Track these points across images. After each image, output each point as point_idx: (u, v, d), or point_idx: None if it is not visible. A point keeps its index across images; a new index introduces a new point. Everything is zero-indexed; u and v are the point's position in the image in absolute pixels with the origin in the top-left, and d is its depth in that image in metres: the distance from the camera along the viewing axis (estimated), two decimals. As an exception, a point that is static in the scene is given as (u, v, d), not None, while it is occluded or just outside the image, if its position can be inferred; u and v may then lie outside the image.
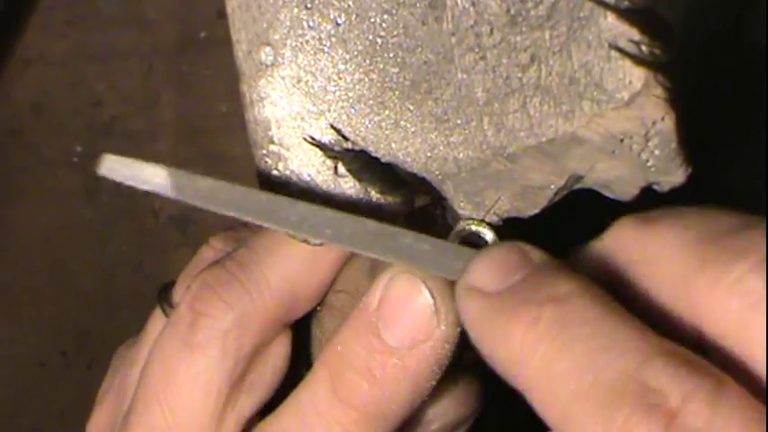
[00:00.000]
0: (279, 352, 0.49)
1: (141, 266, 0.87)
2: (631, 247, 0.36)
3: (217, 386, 0.47)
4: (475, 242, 0.44)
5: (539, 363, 0.34)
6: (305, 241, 0.43)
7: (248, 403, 0.48)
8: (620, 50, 0.38)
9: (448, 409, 0.48)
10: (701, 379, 0.31)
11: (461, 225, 0.44)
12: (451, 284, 0.42)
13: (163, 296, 0.53)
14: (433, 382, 0.44)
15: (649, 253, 0.35)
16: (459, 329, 0.43)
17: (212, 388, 0.47)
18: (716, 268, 0.32)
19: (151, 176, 0.43)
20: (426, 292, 0.42)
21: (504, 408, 0.46)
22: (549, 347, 0.34)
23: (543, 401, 0.34)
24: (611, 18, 0.38)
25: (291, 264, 0.47)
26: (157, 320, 0.53)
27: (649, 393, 0.31)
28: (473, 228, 0.44)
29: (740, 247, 0.32)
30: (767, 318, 0.31)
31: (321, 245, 0.43)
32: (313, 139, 0.44)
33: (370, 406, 0.44)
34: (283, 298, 0.47)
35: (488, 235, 0.44)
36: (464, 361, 0.49)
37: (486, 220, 0.44)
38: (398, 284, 0.43)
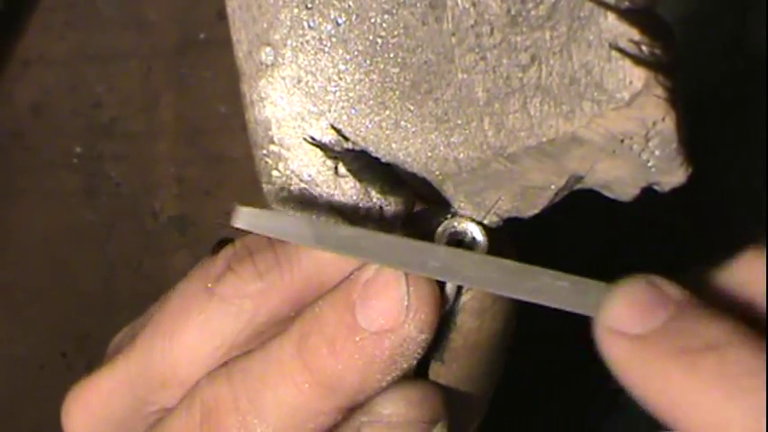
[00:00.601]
0: None
1: (141, 267, 0.87)
2: (762, 282, 0.37)
3: (221, 338, 0.48)
4: (462, 240, 0.44)
5: (707, 412, 0.34)
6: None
7: None
8: (621, 51, 0.38)
9: (401, 408, 0.48)
10: None
11: (449, 222, 0.44)
12: (436, 291, 0.43)
13: (216, 249, 0.54)
14: (389, 376, 0.45)
15: None
16: (425, 336, 0.43)
17: (216, 338, 0.48)
18: None
19: (291, 228, 0.43)
20: (404, 287, 0.43)
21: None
22: (716, 398, 0.34)
23: None
24: (611, 18, 0.38)
25: (326, 253, 0.48)
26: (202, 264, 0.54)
27: None
28: (460, 225, 0.44)
29: None
30: None
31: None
32: (313, 139, 0.44)
33: (324, 373, 0.45)
34: (311, 280, 0.48)
35: (476, 232, 0.44)
36: (432, 372, 0.49)
37: (486, 221, 0.44)
38: (386, 271, 0.43)
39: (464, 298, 0.46)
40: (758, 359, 0.34)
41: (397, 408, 0.48)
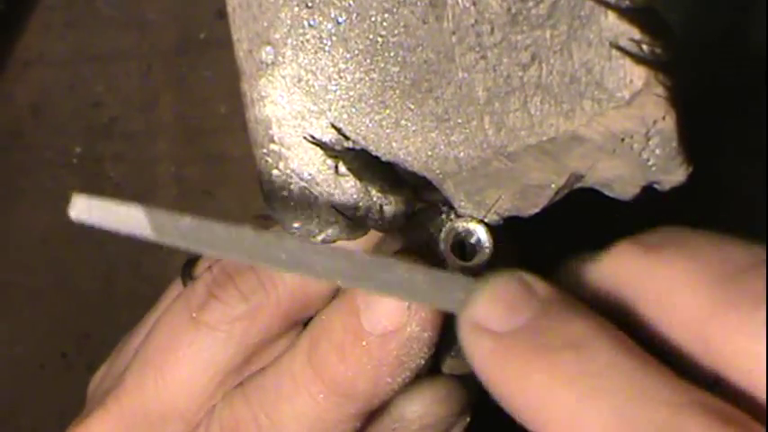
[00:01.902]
0: (286, 349, 0.49)
1: (140, 268, 0.87)
2: (635, 277, 0.35)
3: (215, 367, 0.48)
4: (467, 240, 0.44)
5: (560, 414, 0.33)
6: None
7: None
8: (621, 49, 0.38)
9: (427, 409, 0.48)
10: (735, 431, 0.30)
11: (453, 223, 0.44)
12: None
13: (186, 270, 0.53)
14: (400, 377, 0.45)
15: (657, 287, 0.34)
16: (429, 334, 0.43)
17: (209, 368, 0.48)
18: (737, 313, 0.32)
19: (127, 218, 0.40)
20: None
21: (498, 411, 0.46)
22: (570, 398, 0.33)
23: None
24: (611, 17, 0.38)
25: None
26: (175, 290, 0.54)
27: None
28: (465, 225, 0.44)
29: (760, 289, 0.31)
30: None
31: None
32: (314, 138, 0.44)
33: (336, 381, 0.45)
34: (296, 295, 0.48)
35: (481, 232, 0.44)
36: (446, 366, 0.49)
37: (487, 220, 0.44)
38: None
39: None
40: (617, 357, 0.33)
41: (426, 407, 0.48)
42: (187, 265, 0.54)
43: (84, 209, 0.40)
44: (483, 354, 0.36)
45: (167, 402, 0.49)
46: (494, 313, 0.36)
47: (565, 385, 0.33)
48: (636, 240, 0.36)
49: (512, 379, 0.35)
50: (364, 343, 0.44)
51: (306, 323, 0.49)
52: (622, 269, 0.36)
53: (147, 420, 0.50)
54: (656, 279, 0.34)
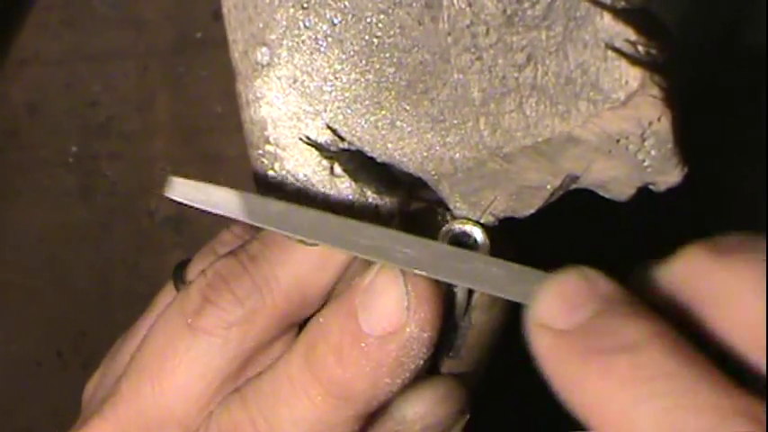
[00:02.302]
0: (282, 351, 0.49)
1: (137, 267, 0.87)
2: (703, 279, 0.36)
3: (212, 373, 0.48)
4: (464, 242, 0.44)
5: (614, 414, 0.34)
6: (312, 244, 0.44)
7: None
8: (617, 50, 0.38)
9: (429, 409, 0.48)
10: None
11: (450, 225, 0.44)
12: (435, 289, 0.43)
13: (177, 273, 0.53)
14: (399, 379, 0.45)
15: (723, 290, 0.35)
16: (428, 335, 0.43)
17: (207, 373, 0.48)
18: None
19: (223, 201, 0.43)
20: (402, 288, 0.43)
21: (499, 410, 0.46)
22: (625, 400, 0.33)
23: None
24: (607, 18, 0.38)
25: (302, 263, 0.47)
26: (167, 295, 0.54)
27: None
28: (462, 227, 0.44)
29: None
30: None
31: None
32: (309, 139, 0.44)
33: (334, 383, 0.45)
34: (292, 297, 0.48)
35: (478, 234, 0.44)
36: (444, 366, 0.49)
37: (482, 221, 0.44)
38: (384, 273, 0.43)
39: (475, 295, 0.46)
40: (670, 362, 0.33)
41: (427, 408, 0.48)
42: (179, 268, 0.54)
43: (182, 190, 0.43)
44: (543, 349, 0.37)
45: (165, 409, 0.49)
46: (555, 310, 0.37)
47: (619, 388, 0.34)
48: (708, 244, 0.36)
49: (570, 377, 0.35)
50: (363, 345, 0.44)
51: (303, 324, 0.49)
52: (692, 271, 0.36)
53: (144, 428, 0.49)
54: (724, 282, 0.35)
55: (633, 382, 0.33)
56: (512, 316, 0.49)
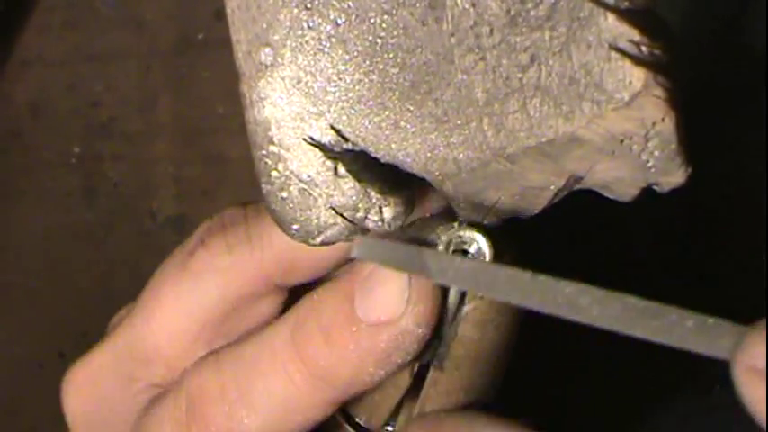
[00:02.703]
0: (266, 311, 0.50)
1: (139, 267, 0.87)
2: None
3: (196, 313, 0.49)
4: (467, 248, 0.44)
5: None
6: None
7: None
8: (620, 51, 0.38)
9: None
10: None
11: (453, 231, 0.44)
12: (436, 286, 0.43)
13: None
14: (383, 370, 0.45)
15: None
16: (422, 331, 0.43)
17: (191, 313, 0.49)
18: None
19: (411, 260, 0.41)
20: (406, 280, 0.43)
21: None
22: None
23: None
24: (611, 19, 0.38)
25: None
26: None
27: None
28: (465, 234, 0.44)
29: None
30: None
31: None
32: (313, 139, 0.44)
33: (317, 363, 0.44)
34: (281, 259, 0.48)
35: (481, 241, 0.44)
36: (431, 376, 0.49)
37: (486, 221, 0.44)
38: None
39: (466, 308, 0.46)
40: None
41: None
42: None
43: (367, 251, 0.42)
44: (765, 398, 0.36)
45: (151, 344, 0.50)
46: None
47: None
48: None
49: None
50: (354, 329, 0.44)
51: (291, 291, 0.49)
52: None
53: (133, 360, 0.51)
54: None
55: None
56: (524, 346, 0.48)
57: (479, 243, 0.44)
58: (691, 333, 0.39)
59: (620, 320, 0.39)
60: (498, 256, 0.44)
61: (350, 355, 0.44)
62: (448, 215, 0.45)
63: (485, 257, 0.44)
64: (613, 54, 0.38)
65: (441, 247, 0.44)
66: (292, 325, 0.46)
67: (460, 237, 0.44)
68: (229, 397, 0.46)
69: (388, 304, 0.43)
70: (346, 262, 0.49)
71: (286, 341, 0.45)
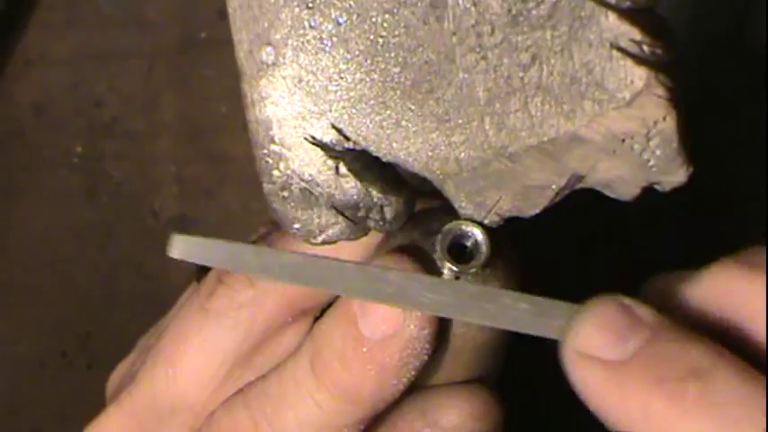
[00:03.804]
0: (294, 340, 0.49)
1: (142, 267, 0.87)
2: (743, 298, 0.35)
3: (223, 355, 0.48)
4: (465, 243, 0.44)
5: None
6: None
7: None
8: (622, 50, 0.38)
9: (464, 421, 0.48)
10: None
11: (451, 225, 0.44)
12: None
13: (202, 268, 0.54)
14: (405, 378, 0.45)
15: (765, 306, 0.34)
16: (428, 331, 0.43)
17: (218, 356, 0.48)
18: None
19: (232, 256, 0.41)
20: None
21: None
22: (700, 426, 0.33)
23: None
24: (612, 18, 0.38)
25: (316, 251, 0.47)
26: (192, 290, 0.54)
27: None
28: (462, 228, 0.44)
29: None
30: None
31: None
32: (314, 138, 0.44)
33: (340, 387, 0.45)
34: None
35: (478, 235, 0.44)
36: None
37: (487, 221, 0.44)
38: None
39: None
40: (743, 386, 0.33)
41: (462, 420, 0.48)
42: (202, 269, 0.54)
43: (185, 249, 0.41)
44: (595, 383, 0.36)
45: (177, 394, 0.49)
46: (602, 341, 0.36)
47: (692, 414, 0.33)
48: (739, 260, 0.36)
49: (632, 409, 0.34)
50: (365, 349, 0.44)
51: (317, 315, 0.49)
52: (728, 290, 0.36)
53: (157, 414, 0.50)
54: (762, 296, 0.34)
55: (707, 407, 0.33)
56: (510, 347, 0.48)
57: (477, 237, 0.44)
58: (526, 315, 0.39)
59: (452, 306, 0.40)
60: (496, 252, 0.44)
61: (369, 373, 0.44)
62: (447, 208, 0.45)
63: (482, 253, 0.44)
64: (615, 53, 0.38)
65: (438, 241, 0.44)
66: (310, 356, 0.46)
67: (459, 231, 0.44)
68: (263, 431, 0.46)
69: (388, 317, 0.43)
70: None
71: (307, 371, 0.46)
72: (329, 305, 0.48)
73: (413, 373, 0.45)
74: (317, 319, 0.49)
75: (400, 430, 0.49)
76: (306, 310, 0.49)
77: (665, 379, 0.34)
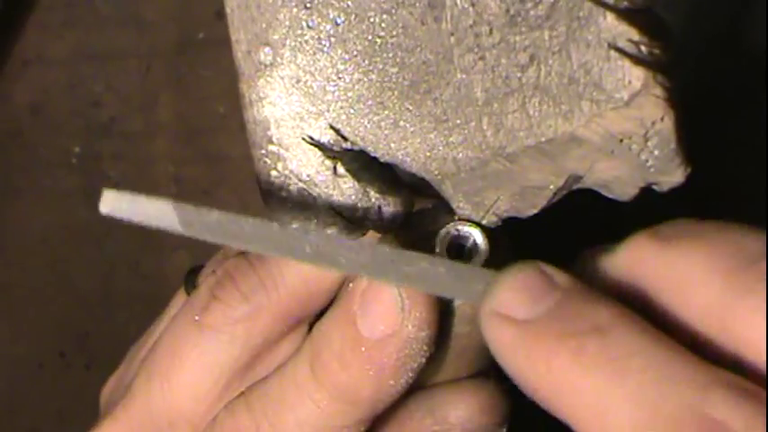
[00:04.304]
0: (290, 349, 0.49)
1: (139, 267, 0.87)
2: (652, 268, 0.36)
3: (219, 369, 0.48)
4: (464, 243, 0.44)
5: (589, 398, 0.33)
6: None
7: None
8: (620, 50, 0.38)
9: (472, 416, 0.49)
10: (763, 408, 0.31)
11: (449, 226, 0.44)
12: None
13: (189, 278, 0.53)
14: (403, 379, 0.45)
15: (675, 278, 0.35)
16: (426, 333, 0.43)
17: (215, 370, 0.48)
18: (753, 298, 0.32)
19: (157, 213, 0.42)
20: (395, 289, 0.43)
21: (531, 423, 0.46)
22: (598, 381, 0.33)
23: None
24: (610, 18, 0.38)
25: None
26: (179, 299, 0.55)
27: (713, 425, 0.31)
28: (461, 228, 0.44)
29: None
30: None
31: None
32: (312, 139, 0.44)
33: (340, 388, 0.45)
34: (298, 294, 0.48)
35: (477, 236, 0.44)
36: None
37: (485, 221, 0.44)
38: None
39: (456, 302, 0.46)
40: (642, 341, 0.33)
41: (471, 414, 0.48)
42: (190, 274, 0.54)
43: (115, 204, 0.42)
44: (506, 341, 0.37)
45: (174, 408, 0.49)
46: (516, 302, 0.37)
47: (592, 369, 0.33)
48: (652, 232, 0.37)
49: (537, 365, 0.35)
50: (363, 349, 0.44)
51: (312, 321, 0.49)
52: (639, 261, 0.37)
53: (155, 428, 0.50)
54: (674, 270, 0.35)
55: (606, 361, 0.33)
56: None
57: (475, 238, 0.44)
58: (444, 279, 0.39)
59: (369, 267, 0.40)
60: (495, 253, 0.44)
61: (367, 374, 0.45)
62: (445, 208, 0.45)
63: (481, 253, 0.44)
64: (613, 53, 0.38)
65: (438, 242, 0.44)
66: (309, 357, 0.46)
67: (457, 232, 0.44)
68: None
69: (386, 317, 0.44)
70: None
71: (306, 373, 0.46)
72: (323, 311, 0.49)
73: (410, 374, 0.45)
74: (311, 325, 0.49)
75: (409, 430, 0.49)
76: (301, 319, 0.49)
77: (568, 334, 0.34)
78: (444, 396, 0.49)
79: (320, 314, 0.49)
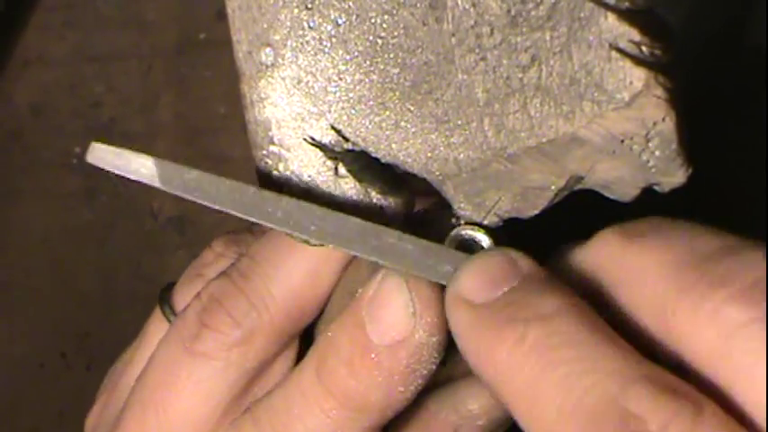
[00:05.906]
0: (285, 366, 0.49)
1: (140, 268, 0.87)
2: (613, 263, 0.37)
3: (217, 396, 0.48)
4: (471, 248, 0.44)
5: (523, 383, 0.34)
6: (305, 242, 0.43)
7: None
8: (621, 51, 0.38)
9: (496, 402, 0.48)
10: (682, 405, 0.31)
11: (458, 230, 0.44)
12: (438, 292, 0.42)
13: (164, 298, 0.53)
14: (413, 386, 0.44)
15: (631, 272, 0.36)
16: (437, 338, 0.43)
17: (212, 397, 0.48)
18: (694, 296, 0.33)
19: (138, 166, 0.43)
20: (407, 294, 0.43)
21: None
22: (533, 368, 0.34)
23: (527, 421, 0.35)
24: (611, 19, 0.38)
25: (296, 276, 0.47)
26: (157, 322, 0.53)
27: (630, 418, 0.32)
28: (469, 233, 0.44)
29: (720, 274, 0.33)
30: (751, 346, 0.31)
31: (322, 245, 0.43)
32: (313, 139, 0.44)
33: (348, 395, 0.44)
34: (289, 311, 0.47)
35: (485, 241, 0.44)
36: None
37: (486, 221, 0.44)
38: (387, 282, 0.43)
39: None
40: (579, 331, 0.34)
41: (492, 403, 0.48)
42: (165, 292, 0.53)
43: (100, 155, 0.43)
44: (461, 324, 0.38)
45: None
46: (476, 285, 0.38)
47: (529, 356, 0.34)
48: (620, 228, 0.37)
49: (483, 348, 0.36)
50: (373, 355, 0.44)
51: (302, 336, 0.49)
52: (603, 255, 0.37)
53: None
54: (630, 265, 0.36)
55: (541, 349, 0.34)
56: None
57: (483, 243, 0.44)
58: (410, 255, 0.41)
59: (337, 237, 0.41)
60: None
61: (376, 380, 0.44)
62: (446, 209, 0.45)
63: None
64: (614, 54, 0.38)
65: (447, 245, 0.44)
66: (315, 365, 0.45)
67: (462, 236, 0.44)
68: None
69: (397, 323, 0.43)
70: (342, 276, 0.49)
71: (313, 381, 0.45)
72: (312, 324, 0.49)
73: (420, 381, 0.44)
74: (301, 339, 0.49)
75: (436, 430, 0.49)
76: (294, 335, 0.49)
77: (513, 320, 0.35)
78: (465, 390, 0.49)
79: (309, 327, 0.49)
